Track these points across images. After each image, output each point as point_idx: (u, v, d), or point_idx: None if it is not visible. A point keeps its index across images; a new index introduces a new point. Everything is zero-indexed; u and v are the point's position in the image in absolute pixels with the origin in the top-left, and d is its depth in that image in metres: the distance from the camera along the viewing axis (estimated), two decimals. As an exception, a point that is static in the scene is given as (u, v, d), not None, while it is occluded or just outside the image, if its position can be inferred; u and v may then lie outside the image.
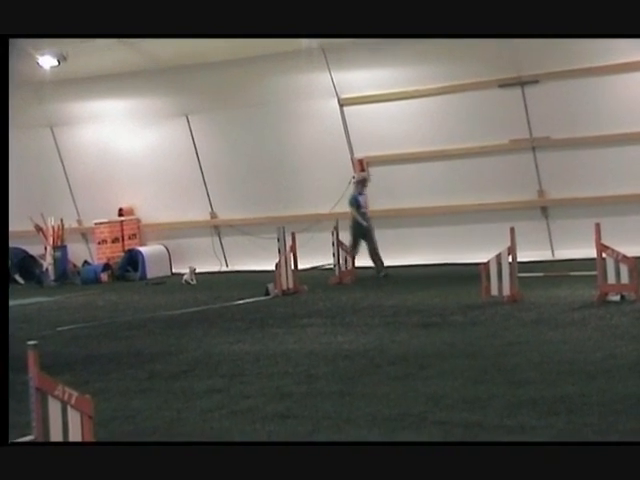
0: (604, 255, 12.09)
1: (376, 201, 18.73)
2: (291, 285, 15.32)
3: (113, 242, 20.77)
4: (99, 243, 20.87)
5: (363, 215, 16.97)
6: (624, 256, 12.01)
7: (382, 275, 16.64)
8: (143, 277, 19.82)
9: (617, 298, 12.04)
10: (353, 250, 16.86)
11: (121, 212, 20.99)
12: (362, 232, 16.86)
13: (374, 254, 16.88)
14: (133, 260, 20.22)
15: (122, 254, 20.54)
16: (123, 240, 20.87)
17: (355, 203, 17.03)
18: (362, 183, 17.31)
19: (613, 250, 12.02)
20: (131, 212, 21.10)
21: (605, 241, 12.12)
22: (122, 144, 20.74)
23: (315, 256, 17.77)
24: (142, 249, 20.40)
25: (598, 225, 12.18)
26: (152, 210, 20.71)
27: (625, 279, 11.96)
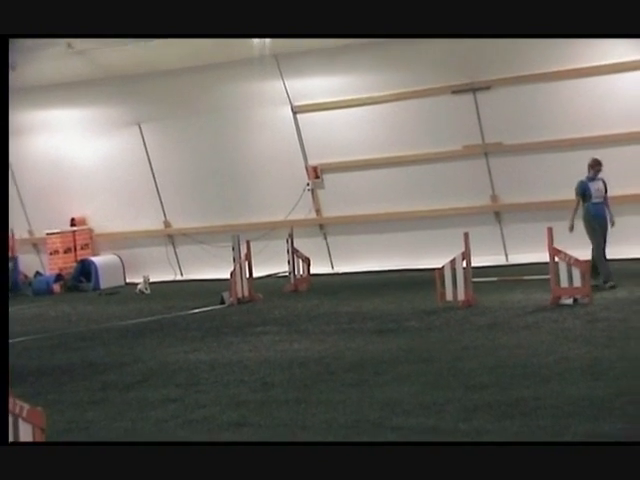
0: (557, 259, 12.22)
1: (331, 208, 18.79)
2: (246, 293, 15.27)
3: (65, 252, 20.55)
4: (51, 253, 20.65)
5: (596, 206, 13.49)
6: (576, 260, 12.14)
7: (599, 284, 13.15)
8: (96, 287, 19.63)
9: (570, 301, 12.16)
10: (598, 251, 13.42)
11: (73, 222, 20.79)
12: (599, 227, 13.47)
13: (603, 255, 13.52)
14: (86, 270, 20.03)
15: (74, 264, 20.33)
16: (75, 250, 20.66)
17: (584, 191, 13.57)
18: (594, 167, 13.66)
19: (565, 254, 12.15)
20: (83, 222, 20.90)
21: (557, 245, 12.25)
22: (73, 153, 20.54)
23: (270, 264, 17.73)
24: (95, 259, 20.21)
25: (550, 229, 12.31)
26: (105, 220, 20.54)
27: (577, 282, 12.09)
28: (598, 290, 12.83)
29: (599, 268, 13.36)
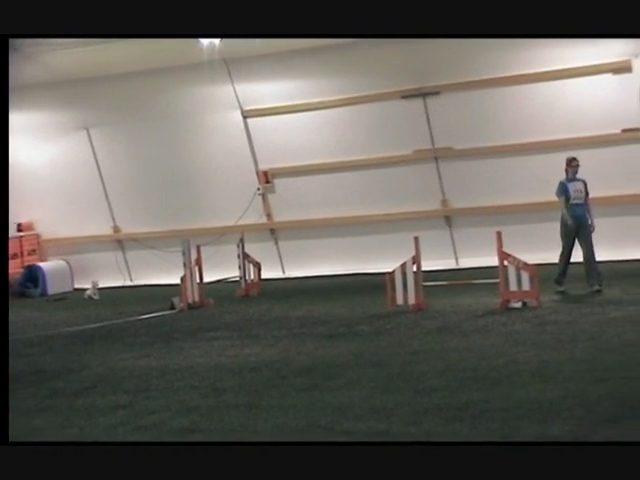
0: (506, 263, 12.33)
1: (281, 212, 18.77)
2: (197, 298, 15.19)
3: (12, 258, 20.23)
4: (-3, 259, 20.34)
5: (575, 208, 13.21)
6: (525, 263, 12.26)
7: (595, 290, 13.03)
8: (44, 293, 19.42)
9: (519, 305, 12.28)
10: (564, 253, 13.30)
11: (20, 227, 20.51)
12: (574, 229, 13.18)
13: (589, 259, 13.23)
14: (33, 276, 19.78)
15: (21, 270, 20.06)
16: (22, 256, 20.39)
17: (564, 192, 13.30)
18: (572, 166, 13.36)
19: (514, 258, 12.26)
20: (30, 227, 20.64)
21: (506, 249, 12.36)
22: (20, 158, 20.20)
23: (221, 269, 17.66)
24: (42, 265, 19.98)
25: (499, 233, 12.41)
26: (52, 225, 20.29)
27: (526, 286, 12.21)
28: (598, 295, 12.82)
29: (558, 269, 13.29)
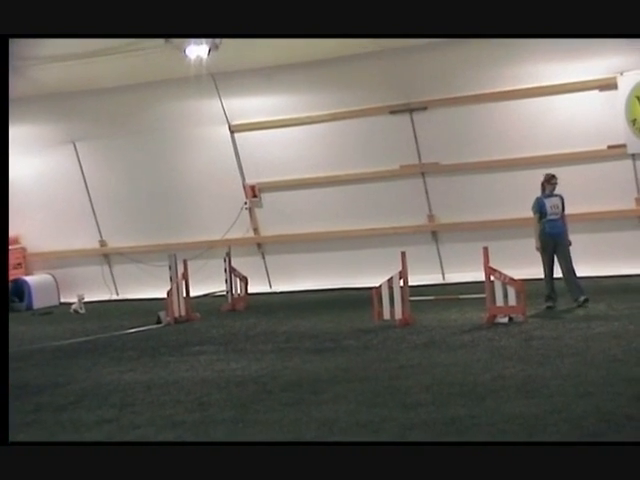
0: (492, 278, 12.35)
1: (268, 227, 18.78)
2: (183, 313, 15.16)
3: (-2, 272, 20.18)
4: (-17, 273, 20.25)
5: (552, 223, 13.29)
6: (511, 279, 12.29)
7: (582, 301, 13.15)
8: (29, 307, 19.36)
9: (505, 320, 12.30)
10: (546, 271, 13.36)
11: (6, 241, 20.43)
12: (551, 245, 13.25)
13: (568, 274, 13.31)
14: (19, 290, 19.70)
15: (7, 284, 20.00)
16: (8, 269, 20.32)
17: (539, 209, 13.38)
18: (550, 182, 13.47)
19: (501, 273, 12.29)
20: (16, 241, 20.56)
21: (493, 264, 12.39)
22: (7, 171, 20.20)
23: (208, 283, 17.63)
24: (28, 278, 19.92)
25: (486, 249, 12.44)
26: (39, 239, 20.23)
27: (512, 301, 12.24)
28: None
29: (545, 287, 13.29)
